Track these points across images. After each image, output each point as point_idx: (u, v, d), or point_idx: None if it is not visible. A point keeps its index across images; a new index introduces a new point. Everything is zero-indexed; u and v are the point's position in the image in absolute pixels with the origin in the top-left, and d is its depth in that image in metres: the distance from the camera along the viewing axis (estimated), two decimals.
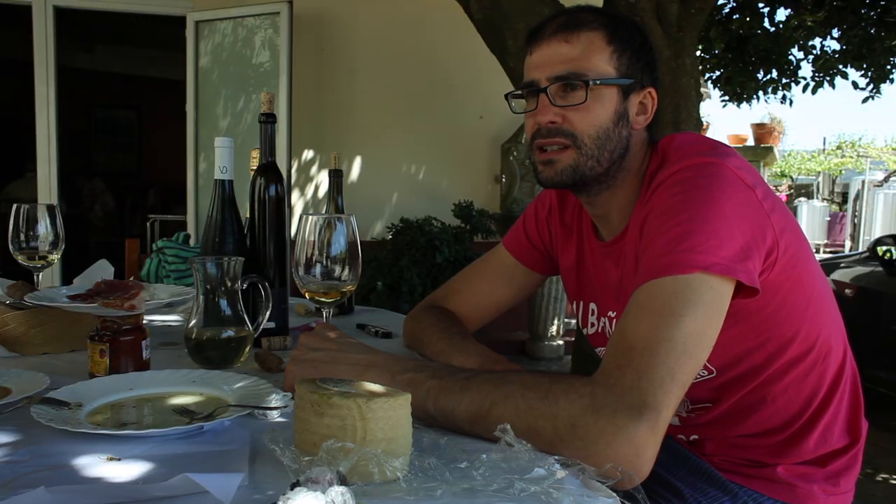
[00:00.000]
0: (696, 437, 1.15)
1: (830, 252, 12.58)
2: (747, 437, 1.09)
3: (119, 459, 0.71)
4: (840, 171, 16.82)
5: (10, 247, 1.35)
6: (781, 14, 3.97)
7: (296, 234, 0.96)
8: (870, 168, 13.85)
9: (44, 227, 1.37)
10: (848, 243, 13.00)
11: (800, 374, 1.05)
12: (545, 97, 1.02)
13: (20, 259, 1.36)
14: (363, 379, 0.83)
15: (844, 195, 15.61)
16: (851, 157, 16.75)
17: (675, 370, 0.78)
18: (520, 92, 1.09)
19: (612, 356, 0.81)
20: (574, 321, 4.34)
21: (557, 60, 1.01)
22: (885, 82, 4.31)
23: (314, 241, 0.94)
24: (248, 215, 1.27)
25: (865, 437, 1.12)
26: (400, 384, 0.83)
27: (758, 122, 10.80)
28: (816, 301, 1.05)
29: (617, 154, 1.04)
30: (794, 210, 13.94)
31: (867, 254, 4.16)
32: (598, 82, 1.00)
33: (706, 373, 1.05)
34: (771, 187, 1.05)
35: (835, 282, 4.11)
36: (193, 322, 1.09)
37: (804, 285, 1.02)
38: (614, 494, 0.66)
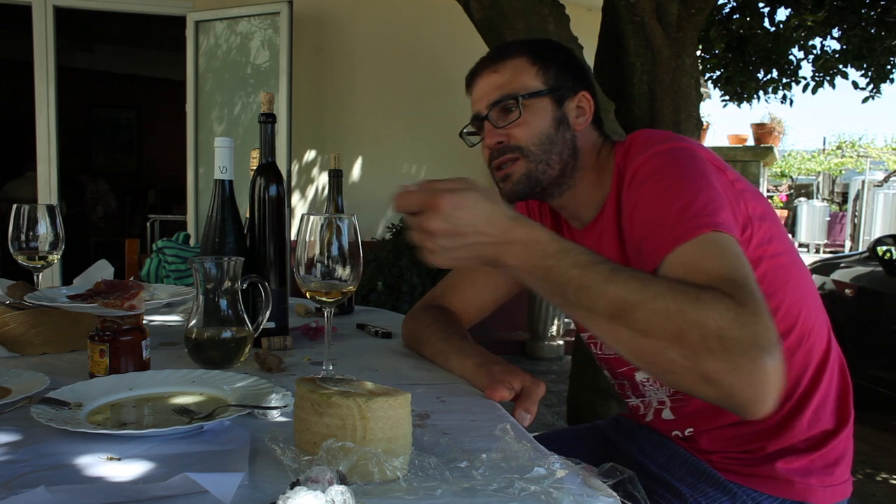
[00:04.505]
0: (691, 430, 1.15)
1: (830, 252, 12.57)
2: (741, 425, 1.10)
3: (119, 459, 0.71)
4: (840, 171, 16.80)
5: (10, 247, 1.35)
6: (781, 14, 3.97)
7: (297, 234, 0.96)
8: (870, 168, 13.84)
9: (44, 228, 1.37)
10: (848, 243, 13.00)
11: (786, 352, 1.08)
12: (488, 124, 1.14)
13: (20, 259, 1.36)
14: (502, 258, 0.81)
15: (844, 195, 15.61)
16: (851, 157, 16.74)
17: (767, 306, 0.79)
18: (472, 129, 1.20)
19: (714, 283, 0.80)
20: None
21: (490, 89, 1.14)
22: (885, 82, 4.29)
23: (315, 241, 0.94)
24: (248, 215, 1.27)
25: (853, 424, 1.14)
26: (540, 271, 0.81)
27: (758, 122, 10.79)
28: (796, 278, 1.10)
29: (566, 155, 1.13)
30: (794, 210, 13.95)
31: (867, 254, 4.16)
32: (526, 96, 1.11)
33: None
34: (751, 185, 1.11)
35: (835, 282, 4.11)
36: (193, 322, 1.09)
37: (782, 261, 1.07)
38: (614, 494, 0.66)
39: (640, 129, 1.13)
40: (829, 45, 4.22)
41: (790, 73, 4.33)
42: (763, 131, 10.36)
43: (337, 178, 1.67)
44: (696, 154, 1.01)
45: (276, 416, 0.85)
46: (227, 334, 1.10)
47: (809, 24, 3.86)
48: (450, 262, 0.82)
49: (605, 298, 0.78)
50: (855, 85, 4.32)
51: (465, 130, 1.22)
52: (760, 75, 4.32)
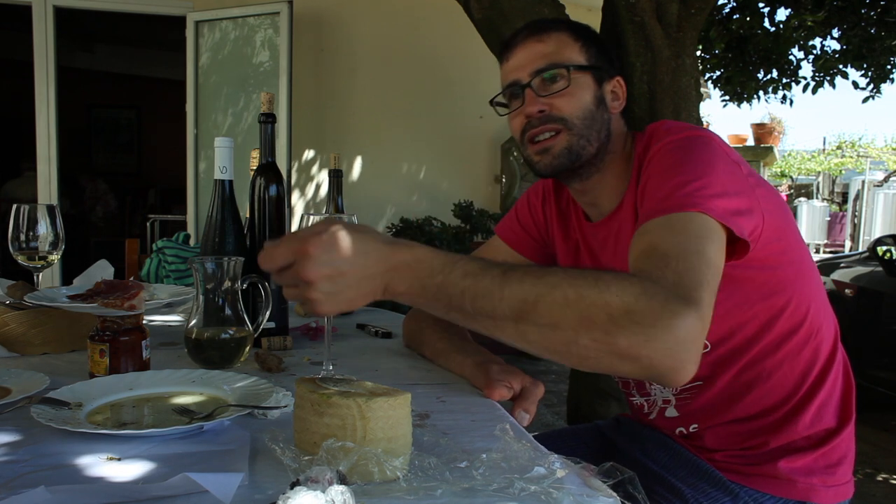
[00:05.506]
0: (695, 426, 1.16)
1: (830, 252, 12.57)
2: (745, 421, 1.11)
3: (119, 459, 0.71)
4: (840, 171, 16.80)
5: (10, 247, 1.35)
6: (781, 14, 3.96)
7: None
8: (870, 168, 13.83)
9: (44, 228, 1.36)
10: (848, 243, 12.99)
11: (794, 349, 1.09)
12: (530, 91, 1.10)
13: (20, 259, 1.36)
14: (390, 286, 0.78)
15: (844, 195, 15.60)
16: (851, 157, 16.73)
17: (710, 280, 0.79)
18: (502, 98, 1.16)
19: (646, 260, 0.82)
20: None
21: (535, 57, 1.10)
22: (885, 82, 4.29)
23: None
24: (248, 215, 1.27)
25: (855, 423, 1.14)
26: (431, 290, 0.78)
27: (758, 122, 10.80)
28: (806, 276, 1.10)
29: (603, 135, 1.12)
30: (794, 210, 13.93)
31: (867, 254, 4.16)
32: (574, 68, 1.09)
33: None
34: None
35: (835, 282, 4.10)
36: (193, 322, 1.09)
37: (791, 258, 1.07)
38: (614, 494, 0.66)
39: (660, 121, 1.13)
40: (829, 45, 4.22)
41: (790, 73, 4.33)
42: (763, 131, 10.36)
43: (337, 178, 1.67)
44: (710, 143, 1.01)
45: (276, 416, 0.85)
46: (227, 334, 1.10)
47: (809, 24, 3.86)
48: (339, 306, 0.78)
49: (504, 302, 0.75)
50: (855, 85, 4.32)
51: (495, 99, 1.18)
52: (760, 75, 4.32)
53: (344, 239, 0.75)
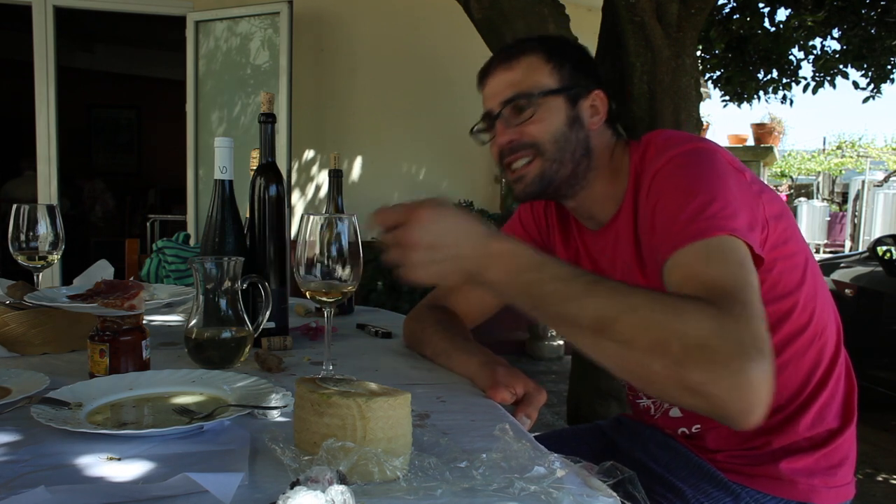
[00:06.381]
0: (698, 426, 1.16)
1: (830, 252, 12.56)
2: None
3: (119, 459, 0.71)
4: (840, 171, 16.79)
5: (10, 247, 1.35)
6: (781, 14, 3.96)
7: (297, 234, 0.96)
8: (870, 168, 13.82)
9: (44, 228, 1.37)
10: (848, 243, 12.98)
11: (799, 350, 1.09)
12: (500, 122, 1.12)
13: (20, 259, 1.36)
14: (482, 272, 0.81)
15: (844, 195, 15.60)
16: (851, 157, 16.72)
17: (763, 313, 0.78)
18: (482, 126, 1.18)
19: (706, 291, 0.80)
20: None
21: (503, 87, 1.11)
22: (885, 82, 4.29)
23: (315, 241, 0.94)
24: (248, 215, 1.27)
25: (856, 424, 1.14)
26: (519, 285, 0.80)
27: (758, 122, 10.78)
28: (810, 278, 1.10)
29: (579, 154, 1.11)
30: (794, 210, 13.93)
31: (867, 254, 4.16)
32: (541, 95, 1.09)
33: None
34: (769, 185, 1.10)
35: (835, 282, 4.10)
36: (193, 322, 1.09)
37: (795, 261, 1.08)
38: (614, 494, 0.66)
39: (657, 130, 1.12)
40: (829, 46, 4.22)
41: (790, 73, 4.32)
42: (763, 131, 10.35)
43: (337, 177, 1.67)
44: (716, 156, 1.00)
45: (276, 416, 0.85)
46: (227, 334, 1.10)
47: (809, 24, 3.86)
48: (430, 276, 0.82)
49: (586, 311, 0.77)
50: (855, 85, 4.32)
51: (475, 128, 1.20)
52: (760, 75, 4.32)
53: (450, 216, 0.82)
